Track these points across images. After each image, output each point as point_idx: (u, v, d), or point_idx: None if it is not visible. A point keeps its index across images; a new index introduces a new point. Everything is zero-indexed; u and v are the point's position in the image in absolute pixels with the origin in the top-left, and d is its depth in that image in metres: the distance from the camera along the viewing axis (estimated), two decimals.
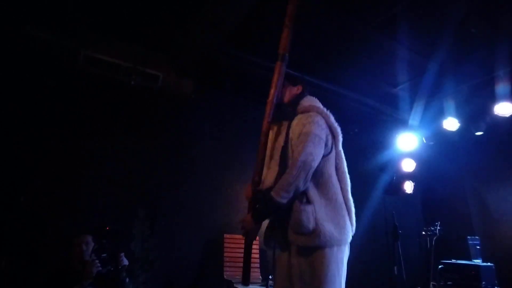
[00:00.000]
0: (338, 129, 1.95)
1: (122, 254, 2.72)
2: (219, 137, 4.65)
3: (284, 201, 1.72)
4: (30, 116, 3.52)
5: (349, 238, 1.85)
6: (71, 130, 3.71)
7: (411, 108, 5.20)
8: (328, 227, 1.73)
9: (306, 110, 1.93)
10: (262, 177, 1.94)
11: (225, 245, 4.23)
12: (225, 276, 4.03)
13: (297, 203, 1.77)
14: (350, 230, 1.85)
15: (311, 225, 1.72)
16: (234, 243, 4.18)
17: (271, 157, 1.97)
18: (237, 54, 4.05)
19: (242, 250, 1.97)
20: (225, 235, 4.28)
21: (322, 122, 1.88)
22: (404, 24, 3.67)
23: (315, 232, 1.71)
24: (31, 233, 3.27)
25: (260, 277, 4.14)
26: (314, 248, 1.73)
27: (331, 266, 1.72)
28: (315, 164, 1.77)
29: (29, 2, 3.29)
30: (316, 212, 1.74)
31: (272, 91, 1.96)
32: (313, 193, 1.79)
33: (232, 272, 4.07)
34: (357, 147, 5.49)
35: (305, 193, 1.78)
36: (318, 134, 1.82)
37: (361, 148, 5.66)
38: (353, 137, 5.47)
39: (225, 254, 4.18)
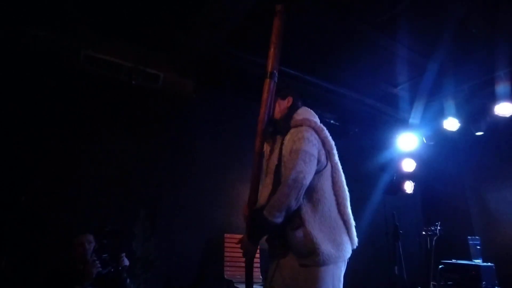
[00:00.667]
0: (332, 143, 1.90)
1: (123, 254, 2.71)
2: (220, 136, 4.64)
3: (277, 220, 1.68)
4: (30, 116, 3.52)
5: (348, 254, 1.80)
6: (71, 130, 3.71)
7: (411, 108, 5.21)
8: (325, 246, 1.69)
9: (299, 124, 1.87)
10: (258, 195, 1.91)
11: (226, 244, 4.23)
12: (225, 276, 4.03)
13: (288, 230, 1.74)
14: (348, 247, 1.79)
15: (306, 249, 1.69)
16: (234, 243, 4.16)
17: (267, 174, 1.93)
18: (237, 54, 4.06)
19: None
20: (226, 235, 4.28)
21: (313, 137, 1.82)
22: (405, 24, 3.67)
23: (314, 254, 1.68)
24: (31, 233, 3.27)
25: (261, 276, 4.14)
26: (310, 265, 1.70)
27: (324, 283, 1.68)
28: (306, 182, 1.72)
29: (30, 2, 3.29)
30: (309, 233, 1.69)
31: (262, 109, 1.93)
32: (305, 211, 1.75)
33: (232, 272, 4.06)
34: (357, 147, 5.50)
35: (297, 213, 1.74)
36: (309, 151, 1.76)
37: (361, 148, 5.67)
38: (353, 137, 5.48)
39: (226, 254, 4.18)
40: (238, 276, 3.93)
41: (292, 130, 1.87)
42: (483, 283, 3.89)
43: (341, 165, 1.95)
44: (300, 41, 3.92)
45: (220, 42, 3.79)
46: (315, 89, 4.54)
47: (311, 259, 1.69)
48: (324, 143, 1.88)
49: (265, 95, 1.94)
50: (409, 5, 3.42)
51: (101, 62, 3.71)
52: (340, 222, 1.82)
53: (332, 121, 5.23)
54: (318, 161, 1.81)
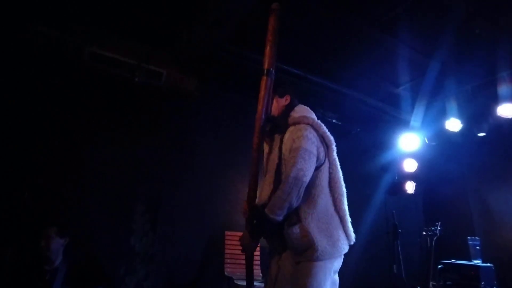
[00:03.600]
0: (331, 138, 1.93)
1: None
2: (222, 134, 4.66)
3: (279, 218, 1.72)
4: (33, 112, 3.55)
5: (344, 251, 1.83)
6: (72, 127, 3.73)
7: (413, 108, 5.19)
8: (321, 242, 1.72)
9: (297, 122, 1.90)
10: (258, 192, 1.95)
11: (226, 242, 4.25)
12: (225, 273, 4.06)
13: (285, 226, 1.77)
14: (344, 242, 1.83)
15: (303, 245, 1.73)
16: (235, 240, 4.20)
17: (266, 172, 1.96)
18: (240, 51, 4.06)
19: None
20: (226, 232, 4.30)
21: (312, 135, 1.85)
22: (407, 24, 3.66)
23: (309, 250, 1.72)
24: (34, 228, 3.30)
25: (261, 274, 4.16)
26: (305, 261, 1.75)
27: (317, 276, 1.72)
28: (306, 179, 1.75)
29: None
30: (306, 230, 1.73)
31: (259, 107, 1.95)
32: (302, 207, 1.78)
33: (232, 269, 4.09)
34: (359, 147, 5.50)
35: (294, 210, 1.77)
36: (308, 149, 1.79)
37: (363, 148, 5.67)
38: (355, 137, 5.48)
39: (226, 251, 4.20)
40: (238, 273, 3.96)
41: (291, 128, 1.90)
42: (482, 283, 3.90)
43: (343, 164, 1.97)
44: (303, 40, 3.92)
45: (223, 40, 3.80)
46: (317, 88, 4.53)
47: (306, 255, 1.73)
48: (323, 138, 1.91)
49: (262, 92, 1.96)
50: (411, 5, 3.42)
51: (105, 59, 3.72)
52: (336, 218, 1.85)
53: (334, 121, 5.23)
54: (317, 159, 1.84)
